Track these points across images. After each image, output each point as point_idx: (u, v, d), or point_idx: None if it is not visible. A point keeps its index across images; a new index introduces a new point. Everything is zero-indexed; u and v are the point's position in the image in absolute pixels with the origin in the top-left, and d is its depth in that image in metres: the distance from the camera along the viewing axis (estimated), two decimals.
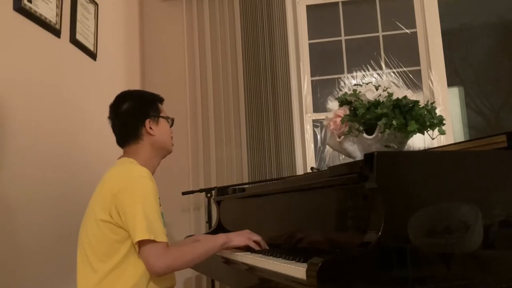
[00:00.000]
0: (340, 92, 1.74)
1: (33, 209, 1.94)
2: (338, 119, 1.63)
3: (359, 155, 1.62)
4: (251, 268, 1.50)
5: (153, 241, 1.47)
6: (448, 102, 3.01)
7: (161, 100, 1.82)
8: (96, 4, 2.64)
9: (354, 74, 3.15)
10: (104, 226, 1.52)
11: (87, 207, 1.64)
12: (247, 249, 1.67)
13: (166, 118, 1.78)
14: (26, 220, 1.88)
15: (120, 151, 1.76)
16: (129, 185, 1.53)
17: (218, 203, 2.35)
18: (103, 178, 1.63)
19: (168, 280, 1.62)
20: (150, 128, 1.71)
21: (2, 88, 1.81)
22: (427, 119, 1.52)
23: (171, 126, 1.81)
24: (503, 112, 4.51)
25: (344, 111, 1.64)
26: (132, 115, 1.73)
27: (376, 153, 1.15)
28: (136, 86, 3.15)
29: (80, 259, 1.59)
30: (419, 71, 3.06)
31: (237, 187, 2.43)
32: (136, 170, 1.58)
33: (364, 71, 3.14)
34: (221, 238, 1.65)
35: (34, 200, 1.94)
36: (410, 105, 1.53)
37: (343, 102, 1.68)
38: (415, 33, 3.09)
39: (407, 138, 1.58)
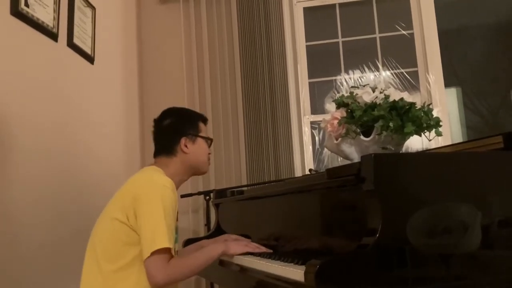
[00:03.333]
0: (338, 94, 1.74)
1: (33, 210, 1.94)
2: (335, 121, 1.64)
3: (356, 157, 1.62)
4: (249, 271, 1.50)
5: (163, 252, 1.47)
6: (445, 103, 3.02)
7: (204, 119, 1.84)
8: (93, 8, 2.64)
9: (352, 76, 3.16)
10: (119, 226, 1.54)
11: (96, 207, 1.66)
12: (246, 253, 1.67)
13: (205, 138, 1.80)
14: (25, 220, 1.89)
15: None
16: (151, 191, 1.54)
17: (216, 205, 2.35)
18: (127, 181, 1.65)
19: None
20: (185, 146, 1.73)
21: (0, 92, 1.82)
22: (423, 120, 1.52)
23: (209, 146, 1.82)
24: (501, 112, 4.52)
25: (341, 113, 1.64)
26: (170, 131, 1.76)
27: (373, 155, 1.16)
28: (133, 89, 3.15)
29: (88, 256, 1.60)
30: (416, 72, 3.07)
31: (235, 189, 2.42)
32: (161, 179, 1.60)
33: (362, 72, 3.15)
34: (220, 246, 1.65)
35: (33, 201, 1.95)
36: (407, 107, 1.53)
37: (340, 104, 1.68)
38: (412, 34, 3.10)
39: (404, 139, 1.59)
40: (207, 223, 2.80)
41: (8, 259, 1.77)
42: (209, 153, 1.82)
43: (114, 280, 1.51)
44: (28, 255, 1.88)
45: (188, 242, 2.17)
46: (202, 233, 2.87)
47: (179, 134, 1.74)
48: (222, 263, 1.74)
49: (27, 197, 1.91)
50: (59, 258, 2.04)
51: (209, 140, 1.82)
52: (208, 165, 1.83)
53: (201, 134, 1.78)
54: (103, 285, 1.52)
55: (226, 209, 2.29)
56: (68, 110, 2.32)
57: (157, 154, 1.77)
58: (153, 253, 1.47)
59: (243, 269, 1.57)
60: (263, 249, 1.66)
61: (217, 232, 2.25)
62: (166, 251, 1.48)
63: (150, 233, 1.48)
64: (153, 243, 1.47)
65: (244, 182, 2.94)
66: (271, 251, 1.64)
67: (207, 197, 2.81)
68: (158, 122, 1.80)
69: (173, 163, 1.72)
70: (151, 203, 1.52)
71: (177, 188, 1.69)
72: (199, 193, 2.86)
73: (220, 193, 2.37)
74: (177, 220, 1.65)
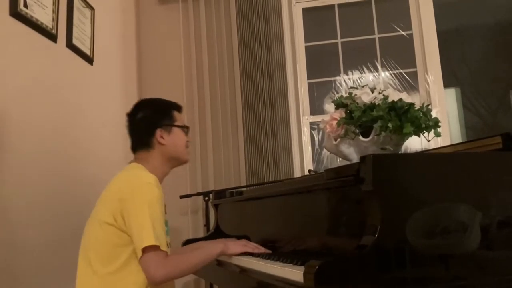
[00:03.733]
0: (337, 95, 1.74)
1: (32, 211, 1.94)
2: (334, 122, 1.63)
3: (355, 158, 1.62)
4: (249, 272, 1.50)
5: (154, 250, 1.46)
6: (444, 104, 3.02)
7: (178, 108, 1.79)
8: (92, 9, 2.64)
9: (351, 76, 3.16)
10: (108, 229, 1.53)
11: (92, 209, 1.64)
12: (245, 253, 1.67)
13: (181, 127, 1.76)
14: (25, 221, 1.89)
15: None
16: (136, 191, 1.53)
17: (215, 206, 2.35)
18: (110, 182, 1.63)
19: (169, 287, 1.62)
20: (161, 137, 1.70)
21: None
22: (422, 121, 1.52)
23: (186, 134, 1.79)
24: (500, 113, 4.53)
25: (340, 113, 1.64)
26: (144, 124, 1.73)
27: (372, 155, 1.16)
28: (133, 90, 3.15)
29: (81, 260, 1.59)
30: (415, 72, 3.07)
31: (234, 190, 2.43)
32: (144, 177, 1.58)
33: (361, 73, 3.15)
34: (218, 246, 1.65)
35: (33, 202, 1.95)
36: (406, 107, 1.53)
37: (339, 105, 1.68)
38: (411, 34, 3.10)
39: (403, 140, 1.58)
40: (207, 224, 2.80)
41: (8, 259, 1.77)
42: (187, 141, 1.78)
43: (112, 281, 1.51)
44: (28, 255, 1.88)
45: (187, 242, 2.17)
46: (201, 234, 2.87)
47: (154, 126, 1.70)
48: (220, 263, 1.73)
49: (26, 198, 1.91)
50: (59, 259, 2.04)
51: (185, 128, 1.78)
52: (188, 153, 1.79)
53: (176, 123, 1.74)
54: (101, 287, 1.51)
55: (225, 210, 2.29)
56: (67, 111, 2.32)
57: (135, 149, 1.74)
58: (145, 251, 1.46)
59: (242, 270, 1.57)
60: (262, 249, 1.66)
61: (216, 232, 2.26)
62: (157, 247, 1.47)
63: (139, 233, 1.47)
64: (141, 241, 1.46)
65: (243, 183, 2.94)
66: (270, 251, 1.63)
67: (206, 198, 2.81)
68: (131, 116, 1.76)
69: (152, 157, 1.69)
70: (136, 203, 1.50)
71: (161, 181, 1.66)
72: (198, 194, 2.86)
73: (219, 194, 2.37)
74: (165, 213, 1.63)
